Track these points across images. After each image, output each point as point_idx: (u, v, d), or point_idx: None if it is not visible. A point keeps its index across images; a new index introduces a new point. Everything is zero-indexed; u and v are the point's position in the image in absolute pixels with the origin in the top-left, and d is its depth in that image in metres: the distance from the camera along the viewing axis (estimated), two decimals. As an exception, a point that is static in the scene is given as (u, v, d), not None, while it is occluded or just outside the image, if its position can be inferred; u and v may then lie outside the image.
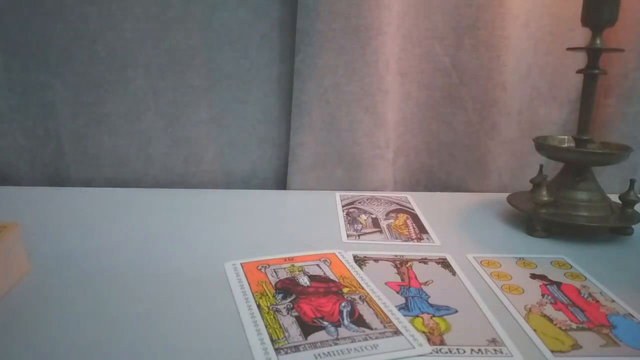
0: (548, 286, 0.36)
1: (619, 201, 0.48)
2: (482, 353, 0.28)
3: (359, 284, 0.36)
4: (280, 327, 0.30)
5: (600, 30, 0.46)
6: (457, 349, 0.28)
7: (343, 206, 0.55)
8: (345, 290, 0.35)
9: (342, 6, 0.55)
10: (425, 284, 0.36)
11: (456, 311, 0.32)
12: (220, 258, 0.39)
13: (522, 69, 0.63)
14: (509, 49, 0.60)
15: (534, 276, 0.38)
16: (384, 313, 0.32)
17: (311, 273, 0.37)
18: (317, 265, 0.39)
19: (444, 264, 0.40)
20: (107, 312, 0.31)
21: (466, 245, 0.44)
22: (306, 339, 0.29)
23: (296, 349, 0.28)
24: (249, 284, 0.35)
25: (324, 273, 0.37)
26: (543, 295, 0.35)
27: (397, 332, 0.29)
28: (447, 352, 0.28)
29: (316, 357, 0.27)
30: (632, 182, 0.48)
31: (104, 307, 0.32)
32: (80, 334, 0.29)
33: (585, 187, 0.48)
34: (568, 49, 0.50)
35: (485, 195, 0.62)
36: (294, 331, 0.29)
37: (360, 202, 0.57)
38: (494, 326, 0.31)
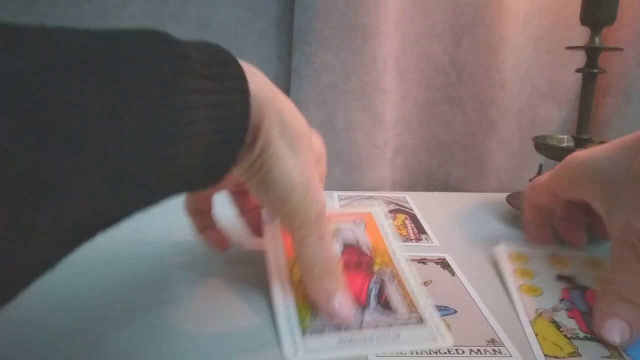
0: (571, 290, 0.34)
1: (618, 201, 0.48)
2: (480, 353, 0.27)
3: (390, 258, 0.35)
4: (308, 304, 0.30)
5: (599, 29, 0.46)
6: (456, 350, 0.28)
7: (341, 206, 0.55)
8: (376, 266, 0.34)
9: (339, 4, 0.55)
10: (425, 284, 0.36)
11: (455, 311, 0.32)
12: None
13: (521, 68, 0.63)
14: (507, 47, 0.60)
15: (560, 277, 0.36)
16: (411, 297, 0.31)
17: (344, 238, 0.36)
18: (351, 229, 0.37)
19: (443, 264, 0.39)
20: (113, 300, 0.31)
21: (465, 246, 0.44)
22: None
23: (322, 330, 0.28)
24: (284, 250, 0.34)
25: (357, 241, 0.36)
26: (561, 301, 0.33)
27: (421, 321, 0.29)
28: (445, 353, 0.27)
29: (338, 343, 0.27)
30: (632, 181, 0.47)
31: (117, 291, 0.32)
32: (82, 332, 0.29)
33: (585, 186, 0.48)
34: (567, 47, 0.49)
35: (484, 195, 0.62)
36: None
37: (358, 202, 0.56)
38: (493, 327, 0.30)
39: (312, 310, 0.29)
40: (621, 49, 0.49)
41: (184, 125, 0.20)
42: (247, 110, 0.23)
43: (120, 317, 0.30)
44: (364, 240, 0.36)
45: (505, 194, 0.54)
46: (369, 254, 0.35)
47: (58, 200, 0.16)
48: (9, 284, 0.17)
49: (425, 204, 0.56)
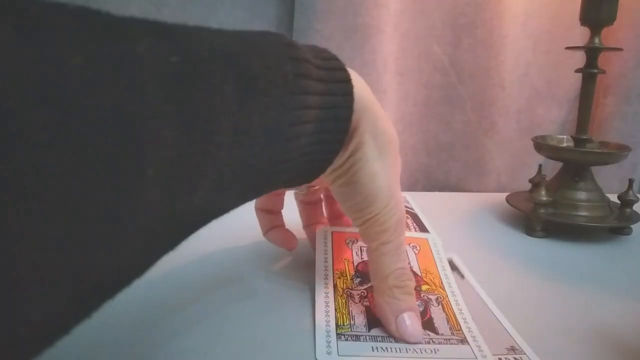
0: None
1: (617, 201, 0.48)
2: None
3: (441, 282, 0.34)
4: (349, 313, 0.30)
5: (598, 29, 0.46)
6: None
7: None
8: (424, 287, 0.33)
9: (339, 5, 0.55)
10: None
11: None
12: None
13: (521, 68, 0.63)
14: (507, 47, 0.60)
15: None
16: (456, 319, 0.30)
17: None
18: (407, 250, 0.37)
19: (451, 265, 0.38)
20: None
21: (467, 246, 0.44)
22: (369, 330, 0.28)
23: (357, 338, 0.28)
24: (332, 260, 0.34)
25: (409, 263, 0.35)
26: None
27: (463, 341, 0.28)
28: None
29: (373, 350, 0.27)
30: (631, 181, 0.48)
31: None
32: (81, 331, 0.28)
33: (584, 186, 0.48)
34: (567, 48, 0.49)
35: (483, 195, 0.62)
36: (360, 321, 0.29)
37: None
38: (511, 333, 0.29)
39: (351, 320, 0.29)
40: (621, 49, 0.49)
41: (298, 124, 0.22)
42: (350, 113, 0.24)
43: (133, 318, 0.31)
44: (415, 263, 0.36)
45: (505, 194, 0.54)
46: (419, 277, 0.34)
47: (194, 183, 0.17)
48: (142, 266, 0.17)
49: (425, 204, 0.56)
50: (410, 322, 0.27)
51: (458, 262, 0.39)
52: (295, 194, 0.37)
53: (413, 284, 0.29)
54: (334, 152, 0.25)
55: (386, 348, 0.27)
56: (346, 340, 0.28)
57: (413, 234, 0.39)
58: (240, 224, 0.39)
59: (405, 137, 0.64)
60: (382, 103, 0.60)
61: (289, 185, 0.27)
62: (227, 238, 0.42)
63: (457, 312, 0.31)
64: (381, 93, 0.58)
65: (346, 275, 0.33)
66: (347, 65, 0.28)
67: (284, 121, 0.21)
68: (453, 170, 0.65)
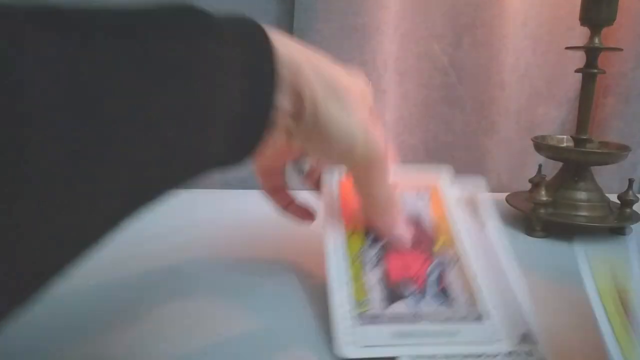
0: None
1: (617, 201, 0.48)
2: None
3: (453, 238, 0.32)
4: (364, 284, 0.28)
5: (598, 29, 0.46)
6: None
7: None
8: (437, 247, 0.31)
9: (340, 5, 0.55)
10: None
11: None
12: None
13: (521, 68, 0.63)
14: (507, 48, 0.60)
15: None
16: (472, 287, 0.29)
17: (406, 211, 0.33)
18: (414, 201, 0.34)
19: (473, 207, 0.36)
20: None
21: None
22: (387, 307, 0.27)
23: (375, 319, 0.27)
24: (341, 214, 0.32)
25: (419, 215, 0.33)
26: None
27: (479, 318, 0.27)
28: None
29: (393, 337, 0.26)
30: (631, 181, 0.48)
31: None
32: (82, 331, 0.29)
33: (584, 186, 0.48)
34: (567, 48, 0.49)
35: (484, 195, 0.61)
36: (377, 295, 0.28)
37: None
38: (525, 312, 0.28)
39: (367, 294, 0.28)
40: (621, 49, 0.49)
41: (220, 95, 0.21)
42: (275, 78, 0.23)
43: (127, 316, 0.31)
44: (426, 215, 0.33)
45: (505, 194, 0.54)
46: (430, 232, 0.32)
47: (98, 177, 0.16)
48: (60, 262, 0.17)
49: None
50: (400, 229, 0.32)
51: (481, 204, 0.35)
52: (300, 177, 0.37)
53: (399, 199, 0.32)
54: (268, 120, 0.24)
55: (407, 333, 0.26)
56: (363, 324, 0.26)
57: (422, 176, 0.36)
58: (239, 217, 0.39)
59: (405, 137, 0.64)
60: (382, 103, 0.60)
61: (235, 159, 0.25)
62: (227, 234, 0.42)
63: (470, 279, 0.29)
64: (381, 93, 0.59)
65: (359, 232, 0.32)
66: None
67: (204, 96, 0.20)
68: (453, 170, 0.65)
